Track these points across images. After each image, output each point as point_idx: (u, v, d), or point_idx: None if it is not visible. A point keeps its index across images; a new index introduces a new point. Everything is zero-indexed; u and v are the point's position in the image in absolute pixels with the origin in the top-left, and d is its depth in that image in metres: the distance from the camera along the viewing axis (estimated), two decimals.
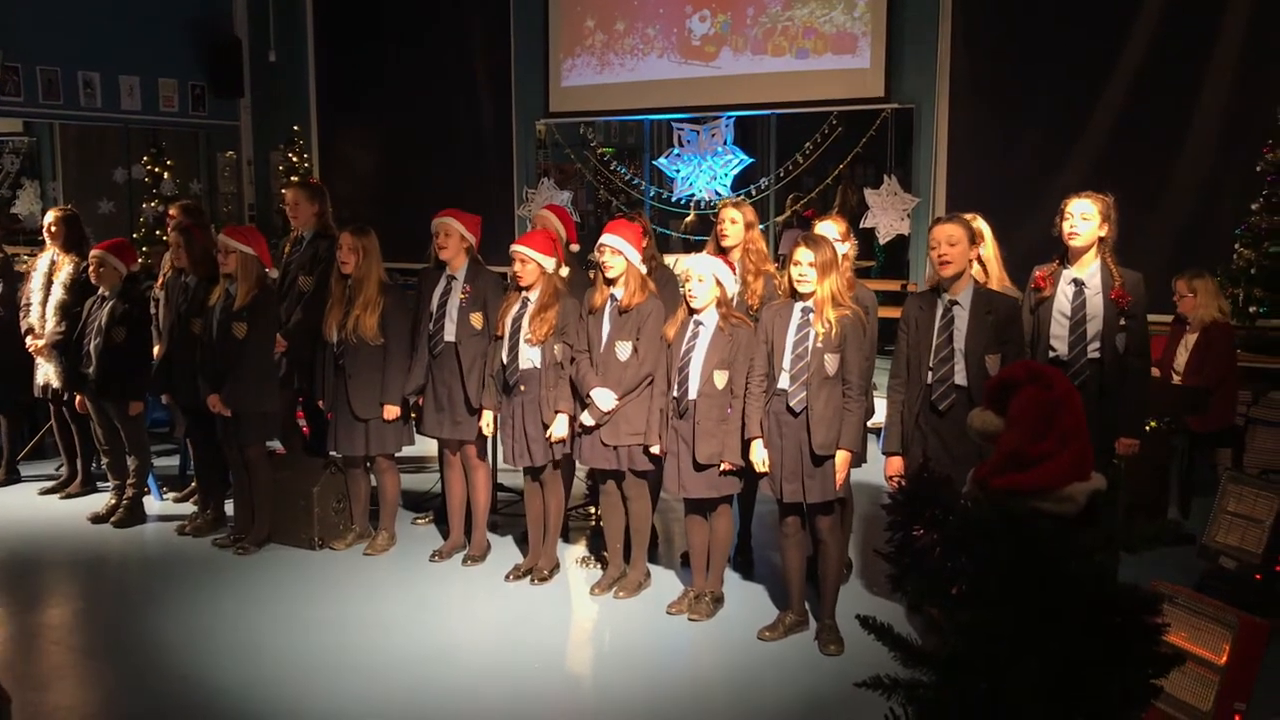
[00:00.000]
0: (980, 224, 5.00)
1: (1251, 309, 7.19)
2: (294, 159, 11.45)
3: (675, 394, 4.88)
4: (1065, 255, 4.73)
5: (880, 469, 4.79)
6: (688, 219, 10.75)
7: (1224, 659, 3.58)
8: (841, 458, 4.59)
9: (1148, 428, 5.47)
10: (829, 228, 5.09)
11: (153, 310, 6.57)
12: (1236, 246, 7.29)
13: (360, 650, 4.74)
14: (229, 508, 6.27)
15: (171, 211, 7.05)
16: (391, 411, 5.68)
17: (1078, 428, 2.20)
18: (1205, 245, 7.57)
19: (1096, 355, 4.61)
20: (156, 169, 10.82)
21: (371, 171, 11.61)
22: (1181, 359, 6.47)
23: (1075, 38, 8.22)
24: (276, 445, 6.58)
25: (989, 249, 5.07)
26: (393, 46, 11.19)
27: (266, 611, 5.18)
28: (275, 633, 4.93)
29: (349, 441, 5.80)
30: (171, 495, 6.93)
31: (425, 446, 6.39)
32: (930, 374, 4.49)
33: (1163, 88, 7.93)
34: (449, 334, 5.57)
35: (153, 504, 6.72)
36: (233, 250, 5.76)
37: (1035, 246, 6.18)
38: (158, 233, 10.04)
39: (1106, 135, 8.13)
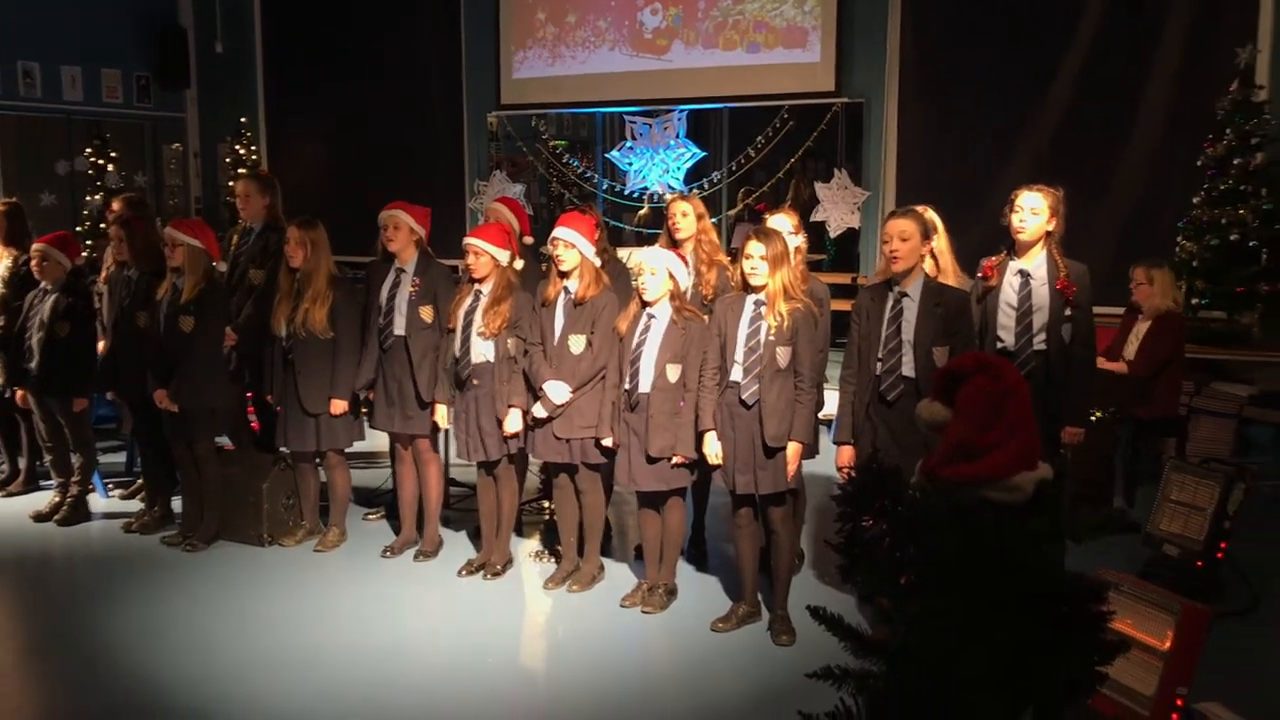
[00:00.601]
0: (932, 216, 5.04)
1: (1194, 300, 7.32)
2: (241, 151, 11.30)
3: (627, 387, 4.89)
4: (1012, 246, 4.78)
5: (832, 460, 4.83)
6: (641, 212, 10.75)
7: (1167, 645, 3.64)
8: (793, 449, 4.62)
9: (1093, 418, 5.56)
10: (781, 221, 5.11)
11: (96, 305, 6.46)
12: (1179, 239, 7.42)
13: (311, 647, 4.69)
14: (176, 504, 6.18)
15: (114, 205, 6.94)
16: (339, 406, 5.63)
17: (1025, 418, 2.23)
18: (1148, 238, 7.68)
19: (1042, 346, 4.67)
20: (100, 161, 10.63)
21: (321, 163, 11.49)
22: (1132, 348, 6.56)
23: (1023, 33, 8.33)
24: (225, 441, 6.50)
25: (941, 241, 5.12)
26: (342, 37, 11.08)
27: (215, 609, 5.11)
28: (224, 630, 4.87)
29: (299, 437, 5.74)
30: (117, 492, 6.82)
31: (376, 441, 6.33)
32: (879, 365, 4.53)
33: (1107, 82, 8.05)
34: (399, 328, 5.53)
35: (98, 501, 6.61)
36: (180, 244, 5.67)
37: (984, 239, 6.26)
38: (101, 226, 9.87)
39: (1053, 129, 8.25)
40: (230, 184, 10.03)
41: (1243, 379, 7.53)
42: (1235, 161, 7.15)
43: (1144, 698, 3.62)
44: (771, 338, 4.56)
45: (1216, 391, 7.45)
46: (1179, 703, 3.59)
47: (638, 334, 4.87)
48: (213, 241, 5.82)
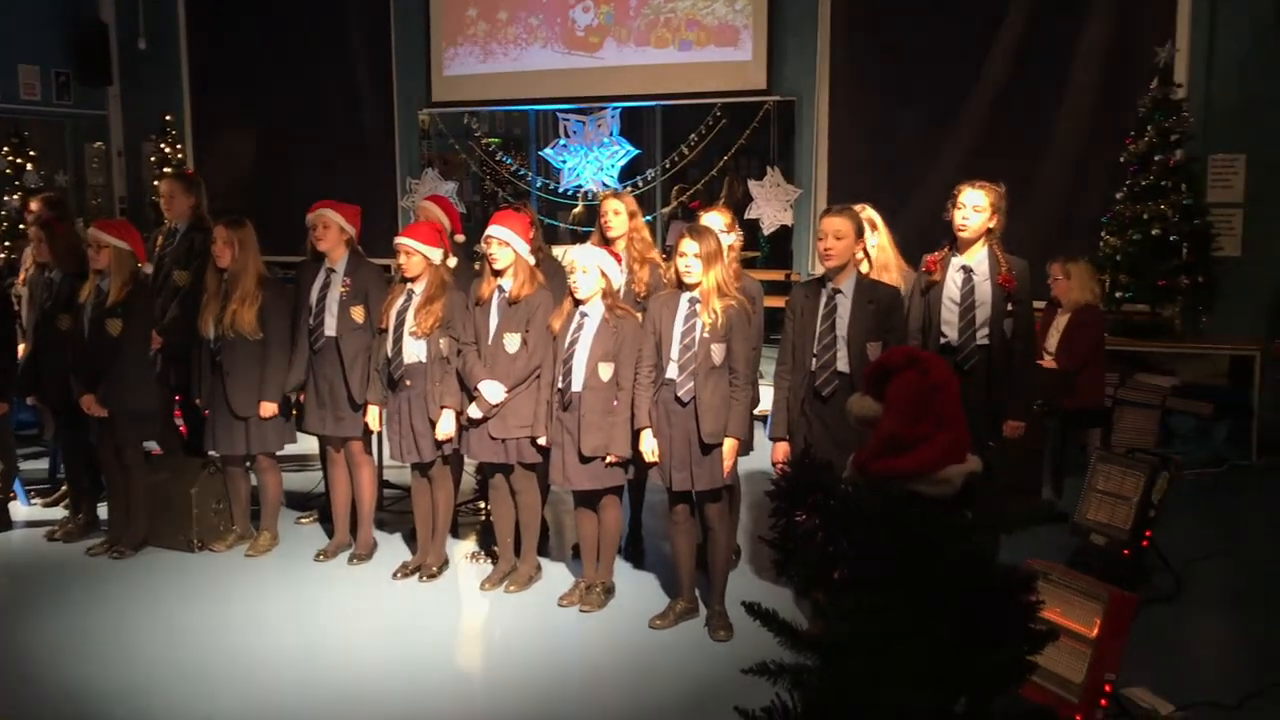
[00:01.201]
0: (871, 213, 5.10)
1: (1117, 294, 7.48)
2: (167, 149, 11.07)
3: (560, 386, 4.87)
4: (955, 242, 4.83)
5: (767, 456, 4.85)
6: (576, 210, 10.72)
7: (1095, 632, 3.71)
8: (729, 445, 4.64)
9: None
10: (715, 219, 5.12)
11: (15, 308, 6.29)
12: (1103, 234, 7.57)
13: (244, 653, 4.62)
14: (102, 511, 6.05)
15: (32, 205, 6.77)
16: (268, 409, 5.54)
17: (954, 412, 2.25)
18: (1073, 234, 7.84)
19: (985, 341, 4.73)
20: (18, 160, 10.34)
21: (248, 162, 11.29)
22: (1052, 341, 6.69)
23: (950, 30, 8.44)
24: (153, 445, 6.37)
25: (883, 237, 5.17)
26: (268, 33, 10.89)
27: (144, 617, 5.01)
28: (154, 639, 4.77)
29: (228, 440, 5.64)
30: (40, 500, 6.64)
31: (309, 444, 6.25)
32: (814, 360, 4.56)
33: (1032, 81, 8.19)
34: (329, 328, 5.46)
35: (19, 509, 6.44)
36: (105, 245, 5.54)
37: (914, 235, 6.33)
38: (20, 226, 9.61)
39: (980, 126, 8.38)
40: (156, 183, 9.81)
41: (1165, 370, 7.72)
42: (1156, 158, 7.31)
43: (1074, 685, 3.69)
44: (706, 335, 4.58)
45: (1140, 383, 7.63)
46: (1107, 689, 3.67)
47: (570, 333, 4.86)
48: (139, 242, 5.70)
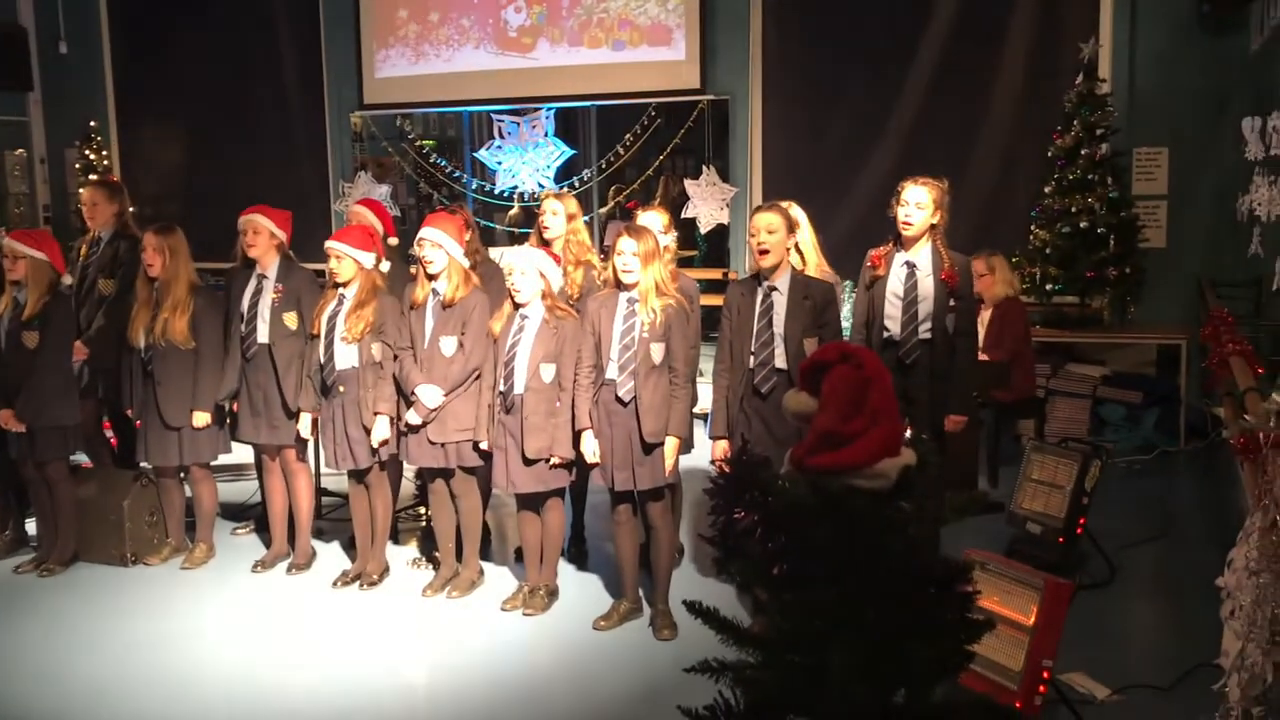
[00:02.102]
0: (797, 211, 5.12)
1: (1048, 286, 7.61)
2: (92, 156, 10.82)
3: (501, 389, 4.84)
4: (899, 238, 4.88)
5: (709, 454, 4.86)
6: (512, 212, 10.67)
7: (1032, 620, 3.77)
8: (670, 444, 4.65)
9: None
10: (653, 218, 5.13)
11: None
12: (1032, 228, 7.70)
13: (181, 669, 4.53)
14: (30, 528, 5.90)
15: None
16: (201, 418, 5.44)
17: (888, 406, 2.27)
18: (1002, 227, 7.96)
19: (928, 335, 4.78)
20: None
21: (176, 167, 11.08)
22: (980, 335, 6.78)
23: (879, 27, 8.53)
24: (83, 458, 6.23)
25: (807, 235, 5.21)
26: (193, 35, 10.68)
27: (76, 634, 4.89)
28: (87, 656, 4.66)
29: (160, 451, 5.53)
30: None
31: (243, 453, 6.14)
32: (752, 358, 4.59)
33: (961, 77, 8.30)
34: (262, 335, 5.38)
35: None
36: (21, 256, 5.41)
37: (848, 230, 6.43)
38: None
39: (910, 123, 8.46)
40: (79, 191, 9.60)
41: (1096, 360, 7.87)
42: (1083, 152, 7.44)
43: (1012, 672, 3.75)
44: (645, 334, 4.58)
45: (1071, 373, 7.78)
46: (1045, 675, 3.72)
47: (511, 335, 4.83)
48: (57, 253, 5.56)
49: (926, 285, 4.78)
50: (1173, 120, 7.78)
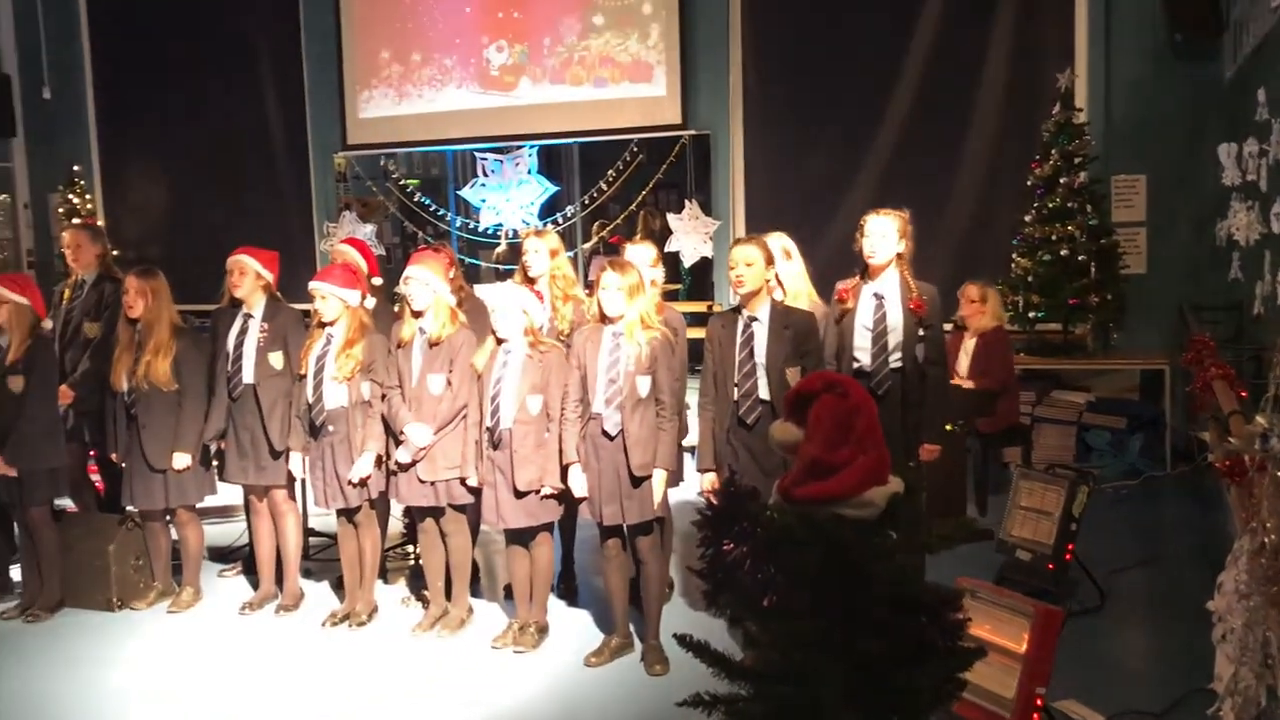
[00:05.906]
0: (787, 243, 5.15)
1: (1031, 315, 7.65)
2: (76, 200, 10.82)
3: (489, 425, 4.83)
4: (865, 270, 4.90)
5: (697, 487, 4.86)
6: (498, 249, 10.69)
7: (1024, 647, 3.76)
8: (659, 477, 4.64)
9: (946, 429, 5.74)
10: (642, 252, 5.16)
11: None
12: (1014, 256, 7.75)
13: (170, 714, 4.48)
14: (16, 573, 5.85)
15: None
16: (182, 460, 5.41)
17: (874, 434, 2.28)
18: (984, 256, 8.02)
19: (898, 365, 4.79)
20: None
21: (160, 211, 11.09)
22: (963, 364, 6.82)
23: (858, 61, 8.64)
24: (68, 503, 6.18)
25: (796, 265, 5.22)
26: (177, 79, 10.74)
27: (63, 681, 4.83)
28: (74, 704, 4.60)
29: (146, 495, 5.50)
30: None
31: (229, 494, 6.11)
32: (736, 389, 4.59)
33: (939, 108, 8.41)
34: (247, 375, 5.37)
35: None
36: (3, 301, 5.39)
37: (830, 261, 6.43)
38: None
39: (890, 154, 8.56)
40: (61, 235, 9.59)
41: (1080, 387, 7.91)
42: (1062, 180, 7.52)
43: (1005, 700, 3.73)
44: (631, 368, 4.58)
45: (1056, 400, 7.81)
46: (1038, 702, 3.72)
47: (495, 370, 4.83)
48: (38, 297, 5.55)
49: (895, 315, 4.80)
50: (1149, 148, 7.88)
